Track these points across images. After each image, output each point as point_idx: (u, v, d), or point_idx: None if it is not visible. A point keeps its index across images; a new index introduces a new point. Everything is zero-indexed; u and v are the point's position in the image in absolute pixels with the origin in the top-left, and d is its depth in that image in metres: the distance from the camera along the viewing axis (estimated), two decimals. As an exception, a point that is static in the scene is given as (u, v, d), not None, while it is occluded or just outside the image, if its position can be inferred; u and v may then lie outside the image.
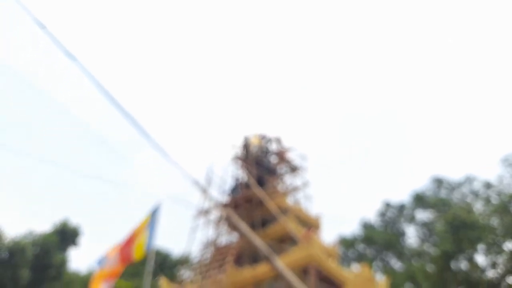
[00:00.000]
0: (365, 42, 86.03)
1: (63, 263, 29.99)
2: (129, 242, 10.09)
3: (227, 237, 16.94)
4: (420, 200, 37.73)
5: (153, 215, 10.12)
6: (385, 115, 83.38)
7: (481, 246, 27.51)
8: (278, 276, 11.83)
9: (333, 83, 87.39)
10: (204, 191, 14.62)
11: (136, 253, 10.05)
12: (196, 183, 8.68)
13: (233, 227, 16.23)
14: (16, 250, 27.38)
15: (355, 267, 28.59)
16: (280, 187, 18.48)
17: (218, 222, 16.83)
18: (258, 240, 7.68)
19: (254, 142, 19.44)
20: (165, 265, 34.79)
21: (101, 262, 10.21)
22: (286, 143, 19.96)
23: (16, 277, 26.79)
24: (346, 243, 36.90)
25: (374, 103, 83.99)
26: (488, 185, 34.46)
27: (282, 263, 9.62)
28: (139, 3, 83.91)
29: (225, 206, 17.00)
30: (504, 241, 27.05)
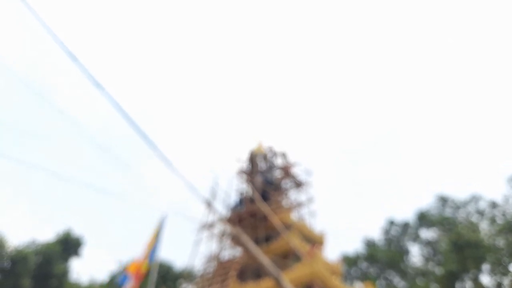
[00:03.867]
0: (366, 47, 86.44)
1: (65, 273, 29.94)
2: (143, 257, 10.15)
3: (230, 252, 16.86)
4: (424, 218, 37.47)
5: (160, 228, 10.16)
6: (390, 131, 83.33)
7: (486, 266, 27.23)
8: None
9: (340, 95, 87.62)
10: (209, 204, 14.64)
11: (144, 267, 10.09)
12: (201, 197, 8.73)
13: (237, 241, 16.19)
14: (18, 259, 27.38)
15: (359, 286, 28.31)
16: (284, 203, 18.43)
17: (221, 236, 16.78)
18: (265, 259, 7.68)
19: (259, 151, 19.49)
20: (168, 277, 34.58)
21: (123, 280, 10.25)
22: (291, 157, 20.00)
23: (18, 286, 26.75)
24: (349, 261, 36.57)
25: (379, 116, 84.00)
26: (493, 205, 34.23)
27: (286, 279, 9.58)
28: (147, 13, 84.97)
29: (229, 220, 16.98)
30: (509, 262, 26.77)
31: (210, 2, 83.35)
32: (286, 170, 19.38)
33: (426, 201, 46.98)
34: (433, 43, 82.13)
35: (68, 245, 31.52)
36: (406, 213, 61.35)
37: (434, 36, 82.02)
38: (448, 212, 37.24)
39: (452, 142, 78.29)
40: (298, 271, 13.89)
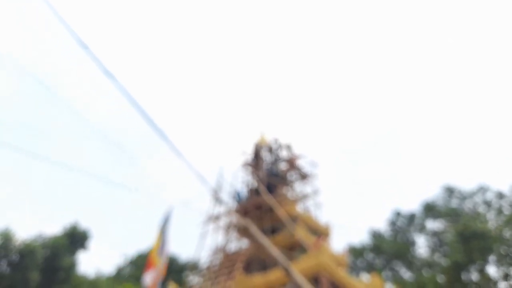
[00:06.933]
0: (366, 47, 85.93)
1: (72, 266, 30.16)
2: (154, 253, 10.14)
3: (236, 244, 16.89)
4: (430, 209, 37.35)
5: (166, 222, 10.15)
6: (396, 122, 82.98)
7: (492, 257, 27.15)
8: (289, 284, 11.75)
9: (345, 86, 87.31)
10: (216, 196, 14.63)
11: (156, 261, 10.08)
12: (208, 187, 8.69)
13: (243, 233, 16.20)
14: (26, 253, 27.62)
15: (365, 277, 28.33)
16: (290, 195, 18.41)
17: (228, 228, 16.79)
18: (275, 250, 7.65)
19: (264, 144, 19.47)
20: (172, 269, 34.79)
21: (145, 279, 10.24)
22: (296, 149, 19.93)
23: (26, 279, 27.01)
24: (355, 252, 36.60)
25: (384, 109, 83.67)
26: (500, 195, 34.05)
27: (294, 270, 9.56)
28: (157, 9, 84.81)
29: (235, 212, 16.99)
30: (516, 252, 26.67)
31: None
32: (291, 162, 19.32)
33: (431, 194, 46.68)
34: (433, 43, 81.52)
35: (75, 238, 31.71)
36: (411, 206, 61.15)
37: (434, 36, 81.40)
38: (454, 203, 37.08)
39: (458, 135, 77.85)
40: (304, 263, 13.90)
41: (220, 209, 16.78)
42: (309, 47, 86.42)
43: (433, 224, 37.24)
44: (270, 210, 16.40)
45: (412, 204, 63.84)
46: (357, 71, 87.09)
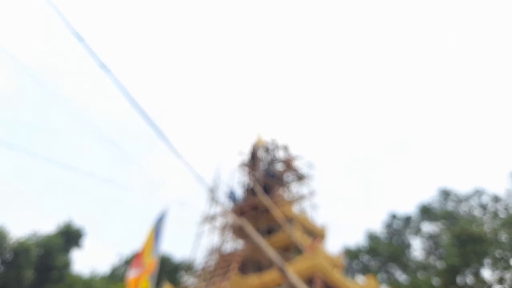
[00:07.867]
0: (367, 43, 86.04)
1: (66, 264, 30.04)
2: (144, 250, 10.06)
3: (232, 244, 16.82)
4: (426, 212, 37.39)
5: (161, 220, 10.07)
6: (392, 123, 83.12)
7: (487, 261, 27.16)
8: (284, 285, 11.70)
9: (342, 85, 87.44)
10: (212, 196, 14.56)
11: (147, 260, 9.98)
12: (205, 186, 8.62)
13: (239, 234, 16.14)
14: (20, 251, 27.47)
15: (360, 279, 28.30)
16: (286, 196, 18.36)
17: (223, 228, 16.72)
18: (271, 251, 7.60)
19: (261, 144, 19.41)
20: (165, 268, 34.64)
21: (130, 273, 10.15)
22: (293, 150, 19.89)
23: (20, 277, 26.87)
24: (351, 254, 36.57)
25: (380, 112, 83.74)
26: (496, 199, 34.12)
27: (290, 271, 9.50)
28: (157, 7, 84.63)
29: (231, 212, 16.91)
30: (511, 256, 26.69)
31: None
32: (288, 163, 19.28)
33: (427, 196, 46.85)
34: (431, 44, 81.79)
35: (69, 237, 31.58)
36: (407, 209, 61.36)
37: (433, 36, 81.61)
38: (450, 205, 37.14)
39: (455, 136, 78.07)
40: (299, 264, 13.84)
41: (216, 209, 16.70)
42: (325, 57, 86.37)
43: (428, 227, 37.29)
44: (266, 210, 16.33)
45: (408, 207, 64.03)
46: (362, 63, 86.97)
